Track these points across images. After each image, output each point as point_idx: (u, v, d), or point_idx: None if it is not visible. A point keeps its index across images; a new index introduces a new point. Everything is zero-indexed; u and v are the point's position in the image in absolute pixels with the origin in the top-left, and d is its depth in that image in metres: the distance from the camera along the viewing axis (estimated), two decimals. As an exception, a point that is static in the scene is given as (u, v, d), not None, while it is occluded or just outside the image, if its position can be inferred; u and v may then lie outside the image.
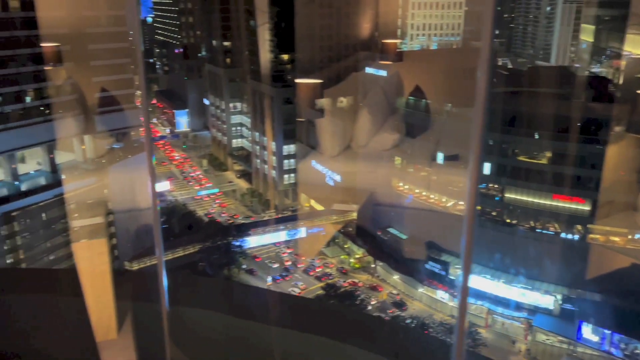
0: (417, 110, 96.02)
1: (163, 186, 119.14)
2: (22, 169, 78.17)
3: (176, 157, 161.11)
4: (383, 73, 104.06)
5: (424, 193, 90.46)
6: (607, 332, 66.53)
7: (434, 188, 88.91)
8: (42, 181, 78.12)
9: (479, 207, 76.73)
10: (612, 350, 66.57)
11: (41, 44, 75.79)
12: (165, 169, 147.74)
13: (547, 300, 73.15)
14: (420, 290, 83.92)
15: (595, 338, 67.72)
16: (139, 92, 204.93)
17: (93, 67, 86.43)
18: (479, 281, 76.64)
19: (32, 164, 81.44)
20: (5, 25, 71.33)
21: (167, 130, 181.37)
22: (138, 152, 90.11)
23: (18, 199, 70.80)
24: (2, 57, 71.81)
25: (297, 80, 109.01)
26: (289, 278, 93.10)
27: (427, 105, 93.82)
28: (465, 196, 4.20)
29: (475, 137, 4.16)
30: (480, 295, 76.40)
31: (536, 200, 79.36)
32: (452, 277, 79.72)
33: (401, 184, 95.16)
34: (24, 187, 75.53)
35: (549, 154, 78.10)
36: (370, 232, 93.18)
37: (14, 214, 68.80)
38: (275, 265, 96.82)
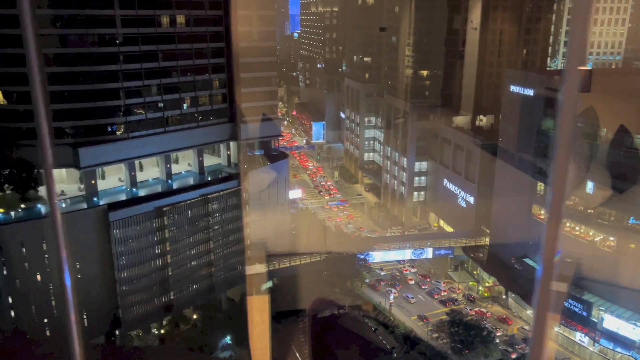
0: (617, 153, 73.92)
1: (296, 194, 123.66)
2: (175, 169, 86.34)
3: (310, 167, 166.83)
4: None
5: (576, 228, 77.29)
6: None
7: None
8: (191, 181, 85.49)
9: (632, 245, 67.56)
10: None
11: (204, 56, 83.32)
12: (298, 177, 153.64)
13: None
14: (557, 329, 76.82)
15: None
16: (281, 104, 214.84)
17: (243, 79, 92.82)
18: (627, 328, 68.09)
19: (183, 165, 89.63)
20: (172, 39, 79.63)
21: (304, 141, 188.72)
22: (276, 160, 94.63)
23: (169, 196, 78.07)
24: (167, 68, 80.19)
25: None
26: (399, 288, 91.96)
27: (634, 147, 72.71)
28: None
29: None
30: (629, 344, 67.85)
31: None
32: (594, 319, 71.95)
33: (542, 212, 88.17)
34: (175, 186, 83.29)
35: None
36: (504, 260, 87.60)
37: (165, 209, 75.99)
38: (383, 273, 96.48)
